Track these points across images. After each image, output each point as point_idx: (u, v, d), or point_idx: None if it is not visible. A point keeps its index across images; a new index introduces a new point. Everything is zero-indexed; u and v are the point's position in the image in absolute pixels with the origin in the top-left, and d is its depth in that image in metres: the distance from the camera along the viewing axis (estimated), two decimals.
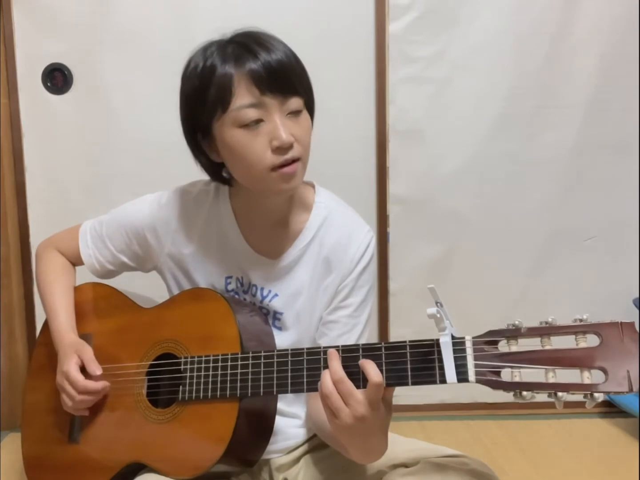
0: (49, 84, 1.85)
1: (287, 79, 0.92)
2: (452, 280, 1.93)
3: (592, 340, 0.71)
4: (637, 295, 1.85)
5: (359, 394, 0.78)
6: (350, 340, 1.03)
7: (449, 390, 1.93)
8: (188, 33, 1.76)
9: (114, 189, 1.86)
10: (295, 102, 0.93)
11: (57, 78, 1.84)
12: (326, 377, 0.80)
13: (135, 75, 1.82)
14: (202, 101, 0.93)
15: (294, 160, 0.93)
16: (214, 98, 0.92)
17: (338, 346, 0.86)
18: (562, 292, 1.93)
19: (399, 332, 1.94)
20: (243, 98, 0.90)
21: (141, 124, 1.85)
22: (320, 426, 0.97)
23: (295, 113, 0.94)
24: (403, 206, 1.92)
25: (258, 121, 0.91)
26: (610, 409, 1.91)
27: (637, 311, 1.80)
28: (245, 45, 0.92)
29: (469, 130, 1.89)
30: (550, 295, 1.92)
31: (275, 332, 1.04)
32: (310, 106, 0.99)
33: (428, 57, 1.86)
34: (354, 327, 1.05)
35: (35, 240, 1.89)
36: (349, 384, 0.79)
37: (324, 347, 0.87)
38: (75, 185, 1.89)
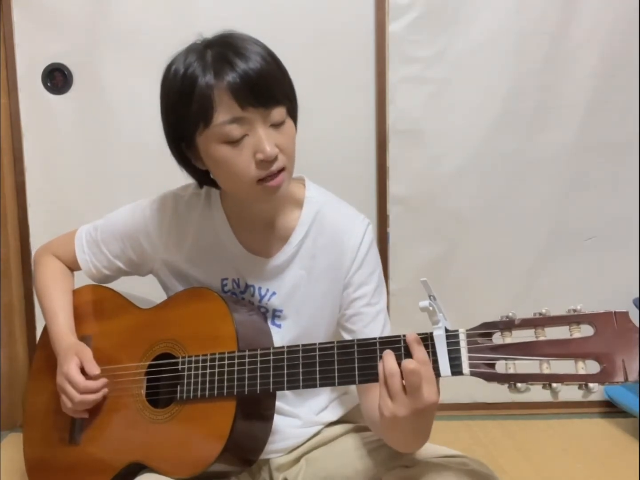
0: (49, 84, 1.85)
1: (267, 90, 0.89)
2: (452, 280, 1.93)
3: (586, 331, 0.71)
4: (637, 295, 1.85)
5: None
6: (376, 329, 1.03)
7: (449, 390, 1.93)
8: (188, 33, 1.75)
9: (114, 189, 1.87)
10: (278, 113, 0.91)
11: (57, 78, 1.85)
12: (390, 360, 0.80)
13: (135, 75, 1.82)
14: (184, 113, 0.91)
15: (279, 171, 0.92)
16: (195, 112, 0.90)
17: (333, 342, 0.86)
18: (562, 292, 1.92)
19: (399, 332, 1.93)
20: (225, 114, 0.88)
21: (141, 124, 1.84)
22: (372, 417, 0.95)
23: (279, 124, 0.92)
24: (403, 206, 1.92)
25: (242, 137, 0.90)
26: (610, 409, 1.91)
27: (637, 311, 1.79)
28: (223, 55, 0.90)
29: (469, 130, 1.89)
30: (550, 295, 1.91)
31: (276, 329, 1.04)
32: (293, 112, 0.96)
33: (428, 57, 1.86)
34: (377, 315, 1.04)
35: (35, 241, 1.89)
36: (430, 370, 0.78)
37: (319, 344, 0.87)
38: (75, 185, 1.89)
